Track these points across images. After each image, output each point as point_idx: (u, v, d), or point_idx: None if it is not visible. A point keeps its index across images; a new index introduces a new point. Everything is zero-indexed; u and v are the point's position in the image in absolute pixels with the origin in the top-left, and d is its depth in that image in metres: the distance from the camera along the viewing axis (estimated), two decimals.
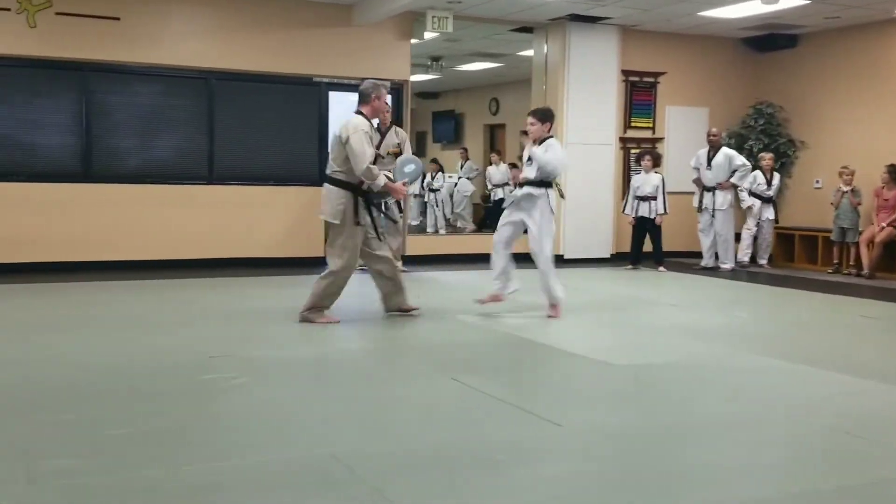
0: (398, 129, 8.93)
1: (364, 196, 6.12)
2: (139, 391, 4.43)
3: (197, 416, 4.04)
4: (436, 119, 18.01)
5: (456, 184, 14.75)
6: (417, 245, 11.07)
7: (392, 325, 6.52)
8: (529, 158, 6.69)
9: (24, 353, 5.25)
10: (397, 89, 10.87)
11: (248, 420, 3.97)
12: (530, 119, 6.70)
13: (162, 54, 9.52)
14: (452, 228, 14.28)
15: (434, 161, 15.42)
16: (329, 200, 6.11)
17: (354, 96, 11.08)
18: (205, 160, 9.88)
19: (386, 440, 3.69)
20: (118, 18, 9.28)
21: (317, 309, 6.29)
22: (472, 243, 11.67)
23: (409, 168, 6.43)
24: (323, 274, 6.28)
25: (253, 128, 10.08)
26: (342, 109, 10.14)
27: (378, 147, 6.61)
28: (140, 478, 3.13)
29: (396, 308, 6.66)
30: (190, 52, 9.64)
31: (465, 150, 15.76)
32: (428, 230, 14.24)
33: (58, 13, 9.03)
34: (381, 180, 6.05)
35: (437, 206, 14.63)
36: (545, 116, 6.72)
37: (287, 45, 10.04)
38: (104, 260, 9.20)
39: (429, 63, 13.81)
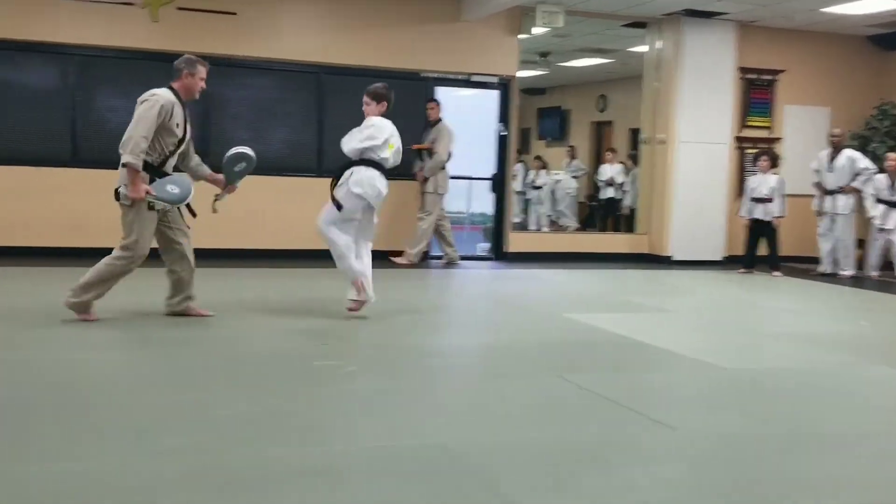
0: (445, 124, 9.68)
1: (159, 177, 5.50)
2: (257, 374, 4.51)
3: (307, 400, 4.07)
4: (541, 116, 17.84)
5: (559, 181, 14.57)
6: (519, 242, 11.00)
7: (500, 322, 6.47)
8: None
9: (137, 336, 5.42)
10: (504, 85, 10.82)
11: (357, 407, 3.98)
12: (365, 98, 6.31)
13: (276, 48, 9.72)
14: (556, 226, 14.12)
15: (537, 158, 15.27)
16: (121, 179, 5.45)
17: (461, 91, 11.35)
18: (314, 153, 10.04)
19: (496, 434, 3.63)
20: (235, 13, 9.53)
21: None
22: (574, 242, 11.52)
23: (172, 189, 5.52)
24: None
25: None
26: (449, 105, 10.21)
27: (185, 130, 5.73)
28: (253, 457, 3.17)
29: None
30: (302, 47, 9.82)
31: (573, 147, 15.55)
32: (530, 227, 14.12)
33: (179, 8, 9.33)
34: (135, 161, 5.30)
35: (540, 203, 14.50)
36: (376, 96, 6.27)
37: (395, 40, 10.11)
38: (220, 248, 9.45)
39: (536, 59, 13.69)
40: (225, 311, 6.05)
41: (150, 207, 5.47)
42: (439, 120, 9.88)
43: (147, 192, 5.37)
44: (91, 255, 8.94)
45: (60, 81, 9.21)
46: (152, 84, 9.26)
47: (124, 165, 5.35)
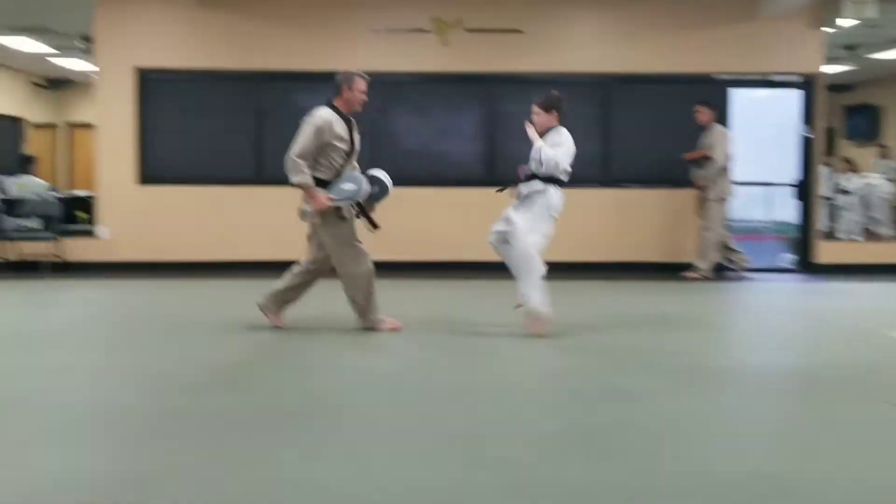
0: (718, 127, 9.10)
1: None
2: (562, 391, 4.43)
3: (616, 419, 3.90)
4: (848, 114, 16.34)
5: (872, 185, 13.18)
6: (829, 252, 10.08)
7: (811, 340, 5.90)
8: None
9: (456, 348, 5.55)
10: (807, 83, 9.99)
11: (666, 428, 3.74)
12: (534, 108, 5.88)
13: (562, 62, 9.71)
14: (870, 234, 12.77)
15: (846, 160, 13.96)
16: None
17: (757, 92, 10.66)
18: (600, 164, 9.90)
19: (826, 466, 3.23)
20: (521, 31, 9.65)
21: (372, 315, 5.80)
22: (892, 252, 10.35)
23: (347, 186, 5.57)
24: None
25: (650, 130, 9.90)
26: (744, 107, 9.62)
27: (352, 142, 5.81)
28: (569, 474, 3.06)
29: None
30: (589, 58, 9.73)
31: (884, 146, 14.06)
32: (840, 236, 12.89)
33: (467, 30, 9.62)
34: (301, 179, 5.50)
35: (850, 209, 13.18)
36: (549, 104, 5.86)
37: (686, 43, 9.70)
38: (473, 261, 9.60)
39: (841, 53, 12.52)
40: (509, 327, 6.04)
41: (342, 218, 5.59)
42: (712, 124, 9.29)
43: (329, 200, 5.49)
44: (395, 267, 9.43)
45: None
46: (446, 104, 9.81)
47: (295, 185, 5.56)
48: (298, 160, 5.53)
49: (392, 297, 6.26)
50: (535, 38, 9.67)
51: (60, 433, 3.62)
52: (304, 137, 5.58)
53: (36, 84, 15.14)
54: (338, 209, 5.56)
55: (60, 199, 10.17)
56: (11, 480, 3.00)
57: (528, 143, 9.64)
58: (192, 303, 7.34)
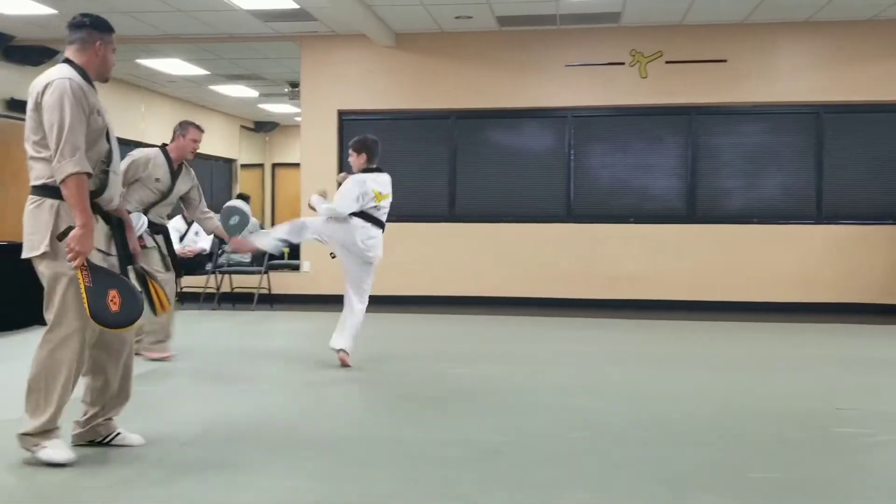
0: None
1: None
2: (774, 436, 4.08)
3: (841, 470, 3.53)
4: None
5: None
6: None
7: None
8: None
9: (662, 387, 5.28)
10: None
11: None
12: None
13: (769, 92, 9.23)
14: None
15: None
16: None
17: None
18: (812, 198, 9.29)
19: None
20: (725, 60, 9.27)
21: None
22: None
23: (232, 221, 5.66)
24: None
25: (866, 162, 9.22)
26: None
27: (171, 187, 5.77)
28: None
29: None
30: (799, 88, 9.19)
31: None
32: None
33: (667, 62, 9.34)
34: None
35: None
36: (359, 147, 5.83)
37: None
38: (704, 300, 9.19)
39: None
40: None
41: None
42: None
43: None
44: (589, 305, 9.24)
45: (557, 142, 9.74)
46: (642, 138, 9.56)
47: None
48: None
49: (618, 338, 6.03)
50: (740, 67, 9.25)
51: (276, 458, 3.68)
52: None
53: (245, 127, 16.17)
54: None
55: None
56: (246, 499, 3.05)
57: (732, 178, 9.33)
58: (387, 335, 7.44)
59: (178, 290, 6.28)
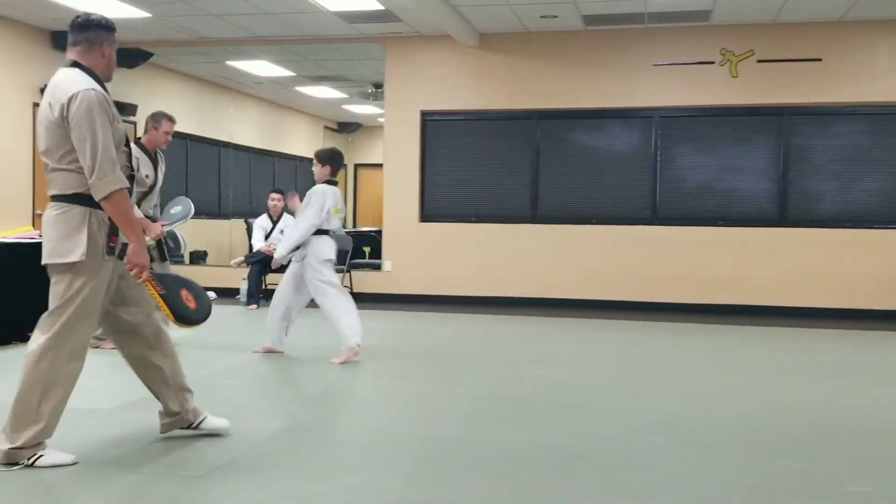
0: None
1: None
2: (866, 449, 3.90)
3: None
4: None
5: None
6: None
7: None
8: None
9: (746, 394, 5.13)
10: None
11: None
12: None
13: (865, 91, 8.88)
14: None
15: None
16: None
17: None
18: None
19: None
20: (820, 59, 8.96)
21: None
22: None
23: (174, 209, 6.08)
24: None
25: None
26: None
27: (156, 177, 5.99)
28: None
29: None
30: None
31: None
32: None
33: (759, 61, 9.08)
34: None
35: None
36: (324, 158, 5.99)
37: None
38: (795, 305, 8.91)
39: None
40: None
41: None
42: None
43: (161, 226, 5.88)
44: (674, 309, 9.07)
45: (643, 143, 9.57)
46: (731, 139, 9.31)
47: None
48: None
49: (703, 344, 5.88)
50: (835, 66, 8.93)
51: (359, 455, 3.69)
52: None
53: (328, 128, 16.39)
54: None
55: (349, 235, 10.81)
56: (323, 496, 3.07)
57: (825, 181, 9.01)
58: (468, 335, 7.42)
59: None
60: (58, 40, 9.54)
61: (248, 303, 9.17)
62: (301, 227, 5.86)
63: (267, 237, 9.39)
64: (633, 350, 6.73)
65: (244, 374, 5.48)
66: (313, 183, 6.06)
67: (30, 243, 6.97)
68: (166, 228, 5.98)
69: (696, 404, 4.77)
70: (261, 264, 9.23)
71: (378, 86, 11.78)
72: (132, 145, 5.85)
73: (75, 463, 3.33)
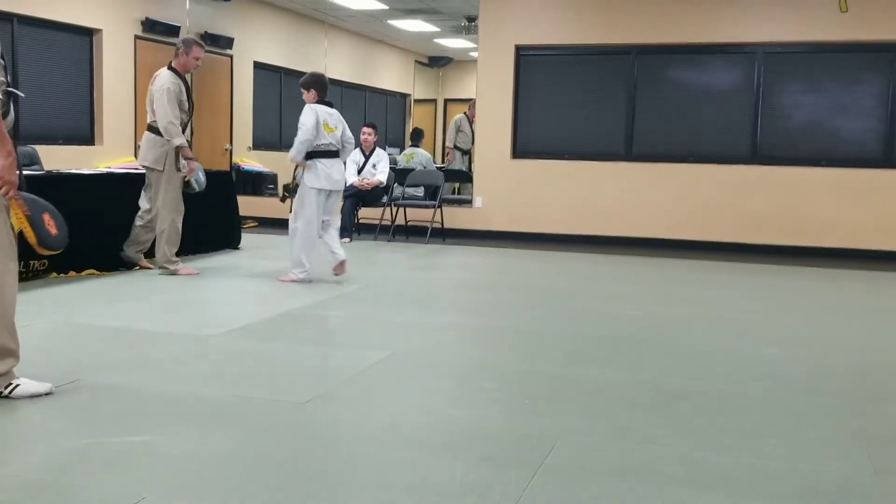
0: None
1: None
2: None
3: None
4: None
5: None
6: None
7: None
8: None
9: (852, 340, 5.02)
10: None
11: None
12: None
13: None
14: None
15: None
16: (151, 148, 6.29)
17: None
18: None
19: None
20: None
21: (171, 262, 6.40)
22: None
23: (201, 176, 6.50)
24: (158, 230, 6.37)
25: None
26: None
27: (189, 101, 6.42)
28: None
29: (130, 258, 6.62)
30: None
31: None
32: None
33: None
34: (178, 141, 6.20)
35: None
36: (307, 83, 6.28)
37: None
38: (863, 248, 8.62)
39: None
40: None
41: (178, 169, 6.34)
42: None
43: (192, 170, 6.34)
44: (773, 251, 8.83)
45: (745, 80, 9.25)
46: (839, 77, 8.92)
47: (176, 147, 6.27)
48: (170, 127, 6.17)
49: (805, 287, 5.71)
50: None
51: (459, 388, 3.77)
52: (163, 104, 6.16)
53: (419, 62, 16.33)
54: (175, 161, 6.30)
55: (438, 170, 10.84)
56: (426, 425, 3.16)
57: None
58: (560, 273, 7.42)
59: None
60: None
61: (342, 236, 9.32)
62: (299, 139, 6.18)
63: (360, 171, 9.49)
64: (731, 292, 6.63)
65: (341, 304, 5.62)
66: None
67: (134, 173, 7.25)
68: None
69: (799, 348, 4.69)
70: (354, 198, 9.35)
71: (471, 19, 11.66)
72: (169, 72, 6.33)
73: (50, 393, 3.31)
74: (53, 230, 3.40)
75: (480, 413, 3.36)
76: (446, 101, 17.12)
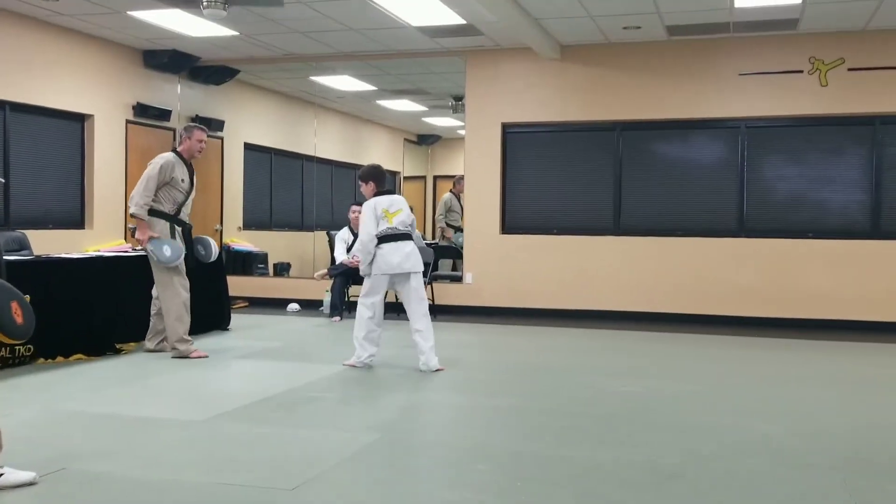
0: None
1: (181, 225, 6.57)
2: None
3: None
4: None
5: None
6: None
7: None
8: None
9: (847, 413, 4.98)
10: None
11: None
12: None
13: None
14: None
15: None
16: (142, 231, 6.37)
17: None
18: None
19: None
20: None
21: (183, 341, 6.42)
22: None
23: (165, 249, 6.33)
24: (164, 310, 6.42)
25: None
26: None
27: (190, 183, 6.64)
28: None
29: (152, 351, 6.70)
30: None
31: None
32: None
33: (850, 69, 8.83)
34: (132, 209, 6.35)
35: None
36: (365, 176, 6.35)
37: None
38: (889, 321, 8.60)
39: None
40: None
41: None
42: None
43: (149, 240, 6.29)
44: (763, 324, 8.83)
45: (729, 155, 9.38)
46: (821, 149, 9.07)
47: (132, 216, 6.45)
48: (143, 196, 6.33)
49: (797, 359, 5.70)
50: None
51: (452, 470, 3.71)
52: (144, 180, 6.36)
53: (408, 140, 16.54)
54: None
55: (429, 246, 10.87)
56: None
57: None
58: (551, 349, 7.38)
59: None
60: (149, 59, 9.88)
61: (332, 315, 9.31)
62: (360, 240, 6.22)
63: (349, 250, 9.51)
64: (722, 366, 6.60)
65: (331, 386, 5.56)
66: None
67: (124, 256, 7.24)
68: (149, 248, 6.34)
69: (792, 422, 4.65)
70: (343, 276, 9.36)
71: (458, 98, 11.85)
72: (172, 154, 6.54)
73: (34, 482, 3.27)
74: (19, 319, 3.30)
75: (474, 497, 3.29)
76: (435, 177, 17.28)
